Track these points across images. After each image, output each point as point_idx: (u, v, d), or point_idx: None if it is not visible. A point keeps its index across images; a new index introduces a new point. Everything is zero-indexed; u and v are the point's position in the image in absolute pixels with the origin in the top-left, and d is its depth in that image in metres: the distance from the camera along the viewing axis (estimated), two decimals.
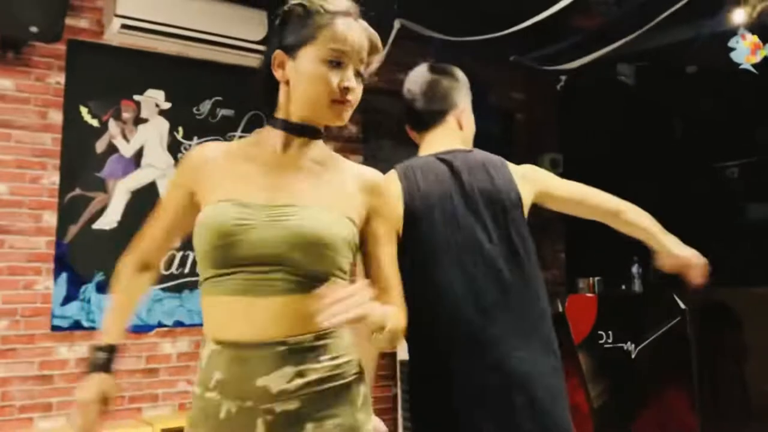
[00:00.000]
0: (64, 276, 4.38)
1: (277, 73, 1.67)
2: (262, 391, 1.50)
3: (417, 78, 2.37)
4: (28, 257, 4.24)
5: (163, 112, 4.85)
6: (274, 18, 1.70)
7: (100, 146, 4.59)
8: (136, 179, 4.72)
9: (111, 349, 1.75)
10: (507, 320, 1.99)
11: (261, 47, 4.80)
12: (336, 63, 1.61)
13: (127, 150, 4.69)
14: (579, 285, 5.26)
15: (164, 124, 4.85)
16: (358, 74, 1.67)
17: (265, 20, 4.78)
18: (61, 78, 4.41)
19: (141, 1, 4.34)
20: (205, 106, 5.03)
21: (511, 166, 2.26)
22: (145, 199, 4.69)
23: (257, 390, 1.50)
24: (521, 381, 1.96)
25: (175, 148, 4.87)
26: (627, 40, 4.50)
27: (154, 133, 4.81)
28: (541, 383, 1.98)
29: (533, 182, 2.23)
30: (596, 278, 5.20)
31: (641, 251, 5.16)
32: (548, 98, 5.71)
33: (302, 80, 1.62)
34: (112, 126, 4.64)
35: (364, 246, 1.70)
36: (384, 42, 3.87)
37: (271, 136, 1.71)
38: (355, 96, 1.66)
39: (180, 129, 4.90)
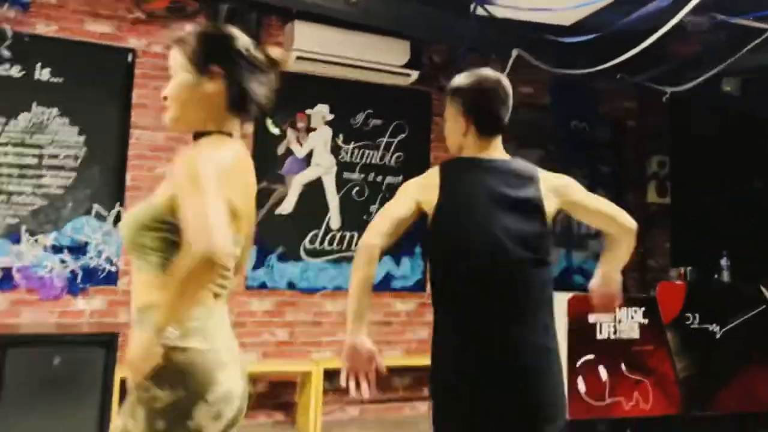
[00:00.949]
0: (254, 249, 5.62)
1: None
2: None
3: (496, 83, 2.45)
4: None
5: (327, 122, 5.91)
6: None
7: (281, 150, 5.74)
8: (307, 175, 5.82)
9: None
10: (511, 301, 2.24)
11: (404, 70, 5.76)
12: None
13: (300, 152, 5.82)
14: (671, 273, 5.75)
15: (328, 132, 5.92)
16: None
17: (407, 48, 5.68)
18: None
19: (312, 38, 5.40)
20: (360, 117, 6.04)
21: (545, 177, 2.37)
22: (313, 191, 5.82)
23: None
24: (514, 349, 2.19)
25: (336, 151, 5.93)
26: (726, 64, 4.89)
27: (320, 139, 5.89)
28: (532, 357, 2.20)
29: (563, 194, 2.37)
30: (688, 268, 5.67)
31: (731, 245, 5.60)
32: (657, 107, 6.19)
33: None
34: (290, 134, 5.78)
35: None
36: (504, 68, 4.70)
37: None
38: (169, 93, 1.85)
39: (340, 135, 5.95)
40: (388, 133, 6.13)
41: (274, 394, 5.56)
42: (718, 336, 5.42)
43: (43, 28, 4.98)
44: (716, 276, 5.71)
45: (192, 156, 1.70)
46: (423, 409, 6.01)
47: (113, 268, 5.10)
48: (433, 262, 2.36)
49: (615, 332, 5.38)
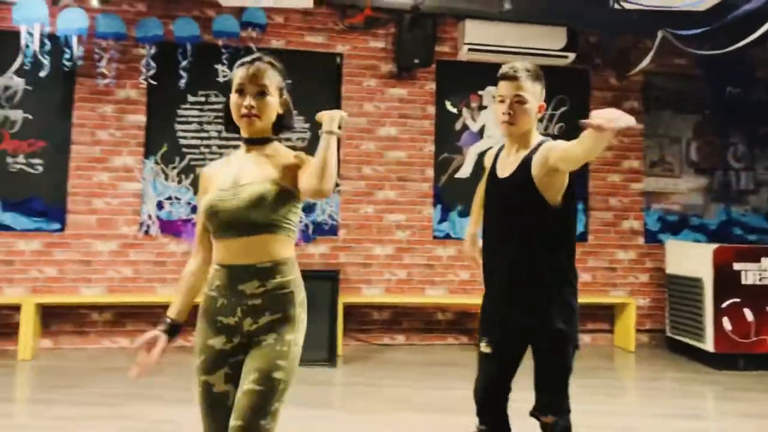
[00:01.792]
0: (438, 206, 6.62)
1: None
2: (240, 293, 2.07)
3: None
4: (418, 195, 6.57)
5: None
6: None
7: (458, 126, 6.72)
8: (481, 146, 6.73)
9: None
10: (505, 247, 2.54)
11: (562, 53, 6.44)
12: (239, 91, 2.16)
13: (474, 127, 6.75)
14: None
15: None
16: (261, 93, 2.16)
17: (563, 34, 6.38)
18: (433, 85, 6.62)
19: (480, 32, 6.29)
20: None
21: (541, 148, 2.47)
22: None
23: (238, 292, 2.07)
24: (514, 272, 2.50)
25: None
26: None
27: (491, 115, 6.79)
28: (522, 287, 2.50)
29: (546, 156, 2.42)
30: None
31: None
32: None
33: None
34: (465, 112, 6.74)
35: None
36: (651, 46, 5.25)
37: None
38: (260, 109, 2.15)
39: None
40: (551, 106, 6.85)
41: (460, 322, 6.56)
42: None
43: (276, 43, 6.38)
44: None
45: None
46: (585, 339, 6.72)
47: (334, 223, 6.40)
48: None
49: (760, 279, 5.79)
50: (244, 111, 2.13)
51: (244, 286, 2.05)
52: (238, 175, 2.15)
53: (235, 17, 6.08)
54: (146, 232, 6.09)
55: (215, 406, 2.05)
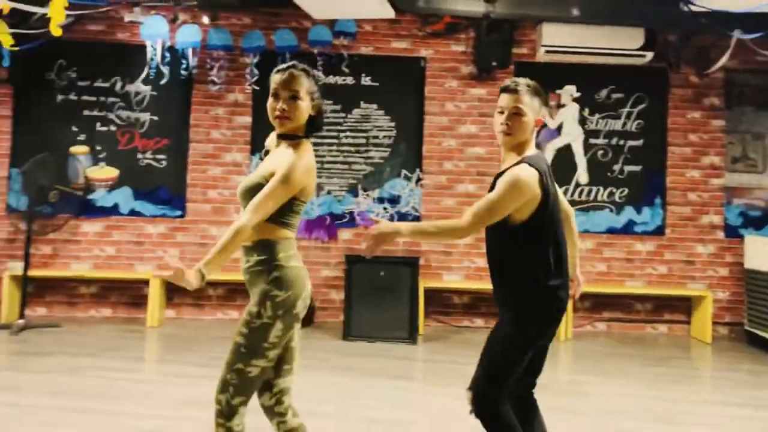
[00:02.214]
0: None
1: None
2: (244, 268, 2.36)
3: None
4: None
5: (575, 99, 6.97)
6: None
7: None
8: (559, 142, 6.94)
9: None
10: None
11: (639, 52, 6.53)
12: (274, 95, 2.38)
13: (552, 124, 6.98)
14: None
15: (576, 106, 6.94)
16: (293, 98, 2.34)
17: (641, 33, 6.45)
18: None
19: (557, 35, 6.49)
20: (603, 93, 6.97)
21: (508, 171, 2.53)
22: (564, 155, 6.90)
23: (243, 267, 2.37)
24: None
25: (582, 122, 6.97)
26: None
27: (569, 112, 6.94)
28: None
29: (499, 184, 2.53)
30: None
31: None
32: None
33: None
34: (543, 110, 6.98)
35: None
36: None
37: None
38: (291, 111, 2.35)
39: (586, 109, 6.96)
40: (629, 104, 6.95)
41: None
42: None
43: (364, 49, 6.89)
44: None
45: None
46: (662, 329, 6.84)
47: (417, 214, 6.87)
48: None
49: None
50: (277, 113, 2.37)
51: (241, 262, 2.38)
52: (260, 164, 2.45)
53: (328, 27, 6.65)
54: None
55: None
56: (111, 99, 6.83)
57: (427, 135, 6.87)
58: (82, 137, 6.82)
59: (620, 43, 6.49)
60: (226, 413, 2.21)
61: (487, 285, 6.60)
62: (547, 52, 6.57)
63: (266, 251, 2.29)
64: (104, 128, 6.83)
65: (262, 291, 2.27)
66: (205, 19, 6.60)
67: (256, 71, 6.64)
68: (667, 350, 6.14)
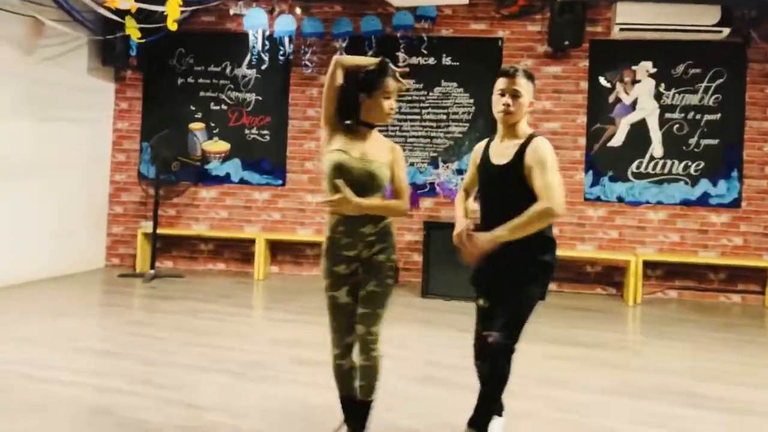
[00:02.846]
0: (590, 172, 7.12)
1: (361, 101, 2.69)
2: (361, 233, 2.65)
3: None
4: (571, 161, 7.07)
5: (650, 75, 7.01)
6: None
7: (611, 99, 7.08)
8: (633, 117, 7.05)
9: None
10: None
11: (716, 28, 6.49)
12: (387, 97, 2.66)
13: (627, 99, 7.05)
14: None
15: (651, 82, 6.98)
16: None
17: (717, 10, 6.38)
18: (586, 62, 7.02)
19: (631, 12, 6.56)
20: (680, 68, 6.95)
21: (533, 142, 2.74)
22: (639, 129, 7.01)
23: (360, 233, 2.65)
24: None
25: (658, 97, 7.01)
26: None
27: (644, 88, 6.99)
28: None
29: (531, 155, 2.73)
30: None
31: None
32: None
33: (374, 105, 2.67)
34: (618, 86, 7.08)
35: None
36: None
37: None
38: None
39: (662, 84, 6.99)
40: (707, 79, 6.91)
41: (608, 275, 7.04)
42: None
43: (445, 32, 7.24)
44: None
45: None
46: (736, 299, 6.89)
47: None
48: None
49: None
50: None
51: (364, 228, 2.68)
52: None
53: (411, 12, 7.05)
54: None
55: (339, 312, 2.76)
56: (222, 81, 7.59)
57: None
58: (199, 115, 7.64)
59: (696, 19, 6.48)
60: (379, 340, 2.69)
61: (561, 252, 6.94)
62: (622, 29, 6.66)
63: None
64: (217, 107, 7.62)
65: (393, 243, 2.74)
66: (298, 11, 7.18)
67: (345, 55, 7.17)
68: (741, 319, 6.17)
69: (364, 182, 2.63)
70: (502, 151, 2.79)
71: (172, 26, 5.49)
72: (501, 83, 2.73)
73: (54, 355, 4.10)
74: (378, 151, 2.70)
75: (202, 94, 7.62)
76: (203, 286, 6.67)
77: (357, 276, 2.72)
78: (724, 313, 6.38)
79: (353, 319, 2.72)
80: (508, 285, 2.71)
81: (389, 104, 2.67)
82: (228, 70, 7.57)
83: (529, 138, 2.74)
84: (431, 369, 4.15)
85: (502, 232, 2.54)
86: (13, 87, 6.19)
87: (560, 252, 6.81)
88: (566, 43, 6.74)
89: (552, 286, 7.12)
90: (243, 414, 3.20)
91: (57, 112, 6.76)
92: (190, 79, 7.64)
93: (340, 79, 2.69)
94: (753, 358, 4.78)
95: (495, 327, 2.69)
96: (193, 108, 7.63)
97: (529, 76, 2.76)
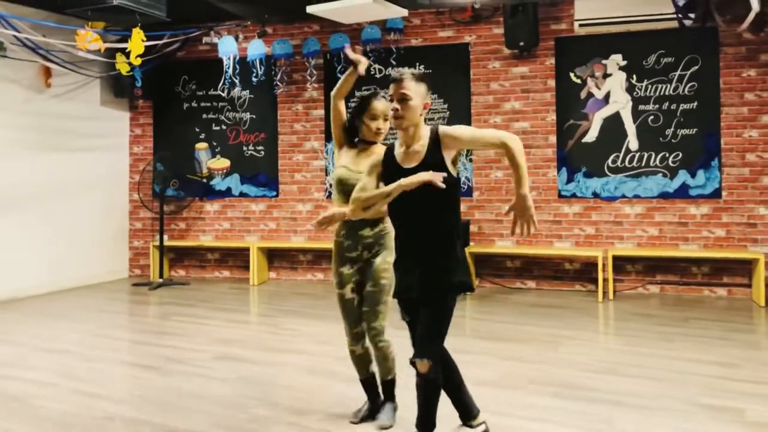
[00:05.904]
0: (564, 169, 7.10)
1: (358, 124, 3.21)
2: (360, 236, 3.12)
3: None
4: (543, 159, 7.09)
5: (621, 68, 6.88)
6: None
7: (582, 94, 7.02)
8: (606, 111, 6.95)
9: None
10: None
11: (681, 15, 6.29)
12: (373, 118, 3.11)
13: (599, 94, 6.96)
14: None
15: (622, 75, 6.85)
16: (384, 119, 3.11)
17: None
18: (552, 60, 7.01)
19: (589, 8, 6.51)
20: (651, 59, 6.78)
21: (443, 131, 2.76)
22: (612, 123, 6.91)
23: (359, 236, 3.12)
24: None
25: (630, 89, 6.87)
26: None
27: (616, 81, 6.88)
28: None
29: (450, 140, 2.75)
30: None
31: None
32: None
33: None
34: (589, 81, 7.00)
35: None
36: None
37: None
38: (385, 127, 3.13)
39: (634, 76, 6.85)
40: (681, 67, 6.71)
41: (588, 272, 6.97)
42: None
43: (414, 41, 7.46)
44: None
45: None
46: (721, 293, 6.63)
47: (469, 185, 7.37)
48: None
49: None
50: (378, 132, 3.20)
51: (362, 231, 3.14)
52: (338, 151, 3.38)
53: (378, 26, 7.33)
54: (329, 197, 7.81)
55: (346, 307, 3.22)
56: (221, 103, 8.21)
57: (475, 114, 7.29)
58: (202, 136, 8.31)
59: (653, 8, 6.35)
60: (384, 331, 3.16)
61: (537, 250, 6.99)
62: (581, 25, 6.63)
63: (386, 220, 3.17)
64: (218, 127, 8.25)
65: (389, 245, 3.12)
66: (257, 35, 7.57)
67: (314, 72, 7.59)
68: (707, 313, 5.96)
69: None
70: (411, 156, 2.77)
71: (136, 61, 6.11)
72: (390, 89, 2.77)
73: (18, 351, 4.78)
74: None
75: (204, 116, 8.27)
76: (199, 293, 7.26)
77: (360, 276, 3.20)
78: (700, 308, 6.18)
79: (360, 313, 3.19)
80: (424, 304, 2.76)
81: (376, 125, 3.12)
82: (225, 92, 8.16)
83: (434, 131, 2.77)
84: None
85: (527, 187, 2.64)
86: (33, 123, 7.10)
87: (536, 250, 6.94)
88: (521, 43, 6.78)
89: (531, 284, 7.21)
90: (124, 400, 3.67)
91: (79, 142, 7.70)
92: (194, 103, 8.31)
93: (342, 108, 3.26)
94: (670, 351, 4.71)
95: (419, 347, 2.75)
96: (197, 129, 8.30)
97: (420, 78, 2.77)
